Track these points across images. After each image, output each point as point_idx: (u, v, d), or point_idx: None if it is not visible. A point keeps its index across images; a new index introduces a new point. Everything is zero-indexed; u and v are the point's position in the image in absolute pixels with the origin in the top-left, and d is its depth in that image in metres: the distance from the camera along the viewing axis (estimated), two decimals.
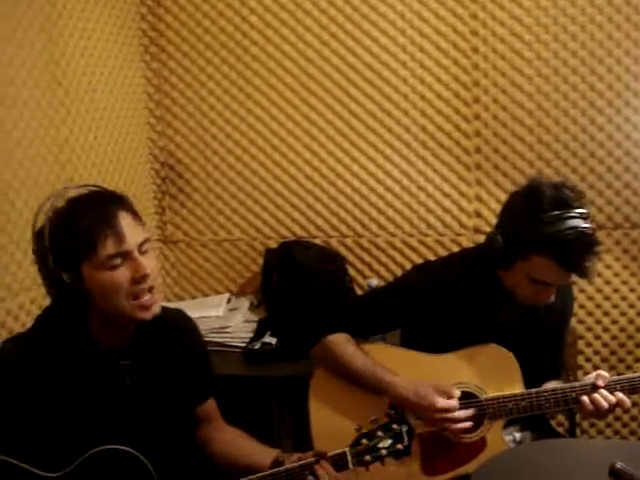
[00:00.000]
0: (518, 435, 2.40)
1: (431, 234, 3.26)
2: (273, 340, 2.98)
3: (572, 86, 3.02)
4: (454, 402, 2.17)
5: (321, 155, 3.29)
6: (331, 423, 2.28)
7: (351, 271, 3.31)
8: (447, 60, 3.11)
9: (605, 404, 2.12)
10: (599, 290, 3.15)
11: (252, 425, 2.21)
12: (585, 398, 2.13)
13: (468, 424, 2.18)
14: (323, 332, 2.32)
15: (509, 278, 2.23)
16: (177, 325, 2.03)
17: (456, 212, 3.21)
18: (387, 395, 2.20)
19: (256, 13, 3.24)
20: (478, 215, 3.18)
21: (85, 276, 1.76)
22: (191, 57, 3.34)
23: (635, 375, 2.16)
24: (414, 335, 2.39)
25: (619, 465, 1.56)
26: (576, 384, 2.18)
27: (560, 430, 2.79)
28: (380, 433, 1.89)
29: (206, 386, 2.10)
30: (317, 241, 3.34)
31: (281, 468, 1.88)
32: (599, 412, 2.14)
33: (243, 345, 2.99)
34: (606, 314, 3.17)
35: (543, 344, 2.37)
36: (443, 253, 3.09)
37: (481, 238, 2.82)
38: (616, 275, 3.13)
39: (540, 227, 2.07)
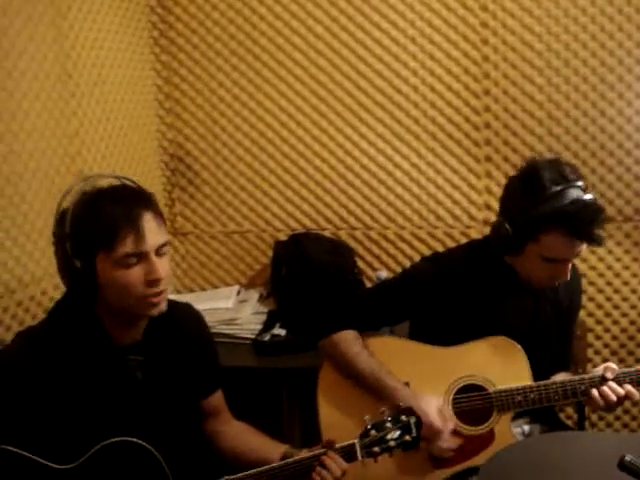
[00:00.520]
0: (527, 428, 2.40)
1: (440, 226, 3.25)
2: (282, 332, 2.99)
3: (583, 78, 3.01)
4: (450, 427, 2.17)
5: (330, 147, 3.29)
6: (340, 414, 2.28)
7: (360, 263, 3.31)
8: (457, 51, 3.10)
9: (614, 397, 2.12)
10: (609, 283, 3.14)
11: (261, 416, 2.22)
12: (594, 391, 2.14)
13: (454, 446, 2.19)
14: (332, 324, 2.33)
15: (521, 264, 2.23)
16: (185, 319, 2.04)
17: (466, 204, 3.21)
18: (386, 399, 2.17)
19: (265, 4, 3.24)
20: (488, 207, 3.18)
21: (98, 269, 1.76)
22: (200, 49, 3.34)
23: None
24: (423, 327, 2.39)
25: (629, 458, 1.55)
26: (585, 376, 2.18)
27: (569, 423, 2.80)
28: (389, 424, 1.89)
29: (213, 378, 2.10)
30: (326, 233, 3.34)
31: (289, 460, 1.88)
32: (608, 405, 2.14)
33: (252, 337, 3.00)
34: (616, 307, 3.16)
35: (551, 336, 2.37)
36: (452, 245, 3.08)
37: None
38: (626, 268, 3.12)
39: (545, 204, 2.09)
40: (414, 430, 1.90)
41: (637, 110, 3.00)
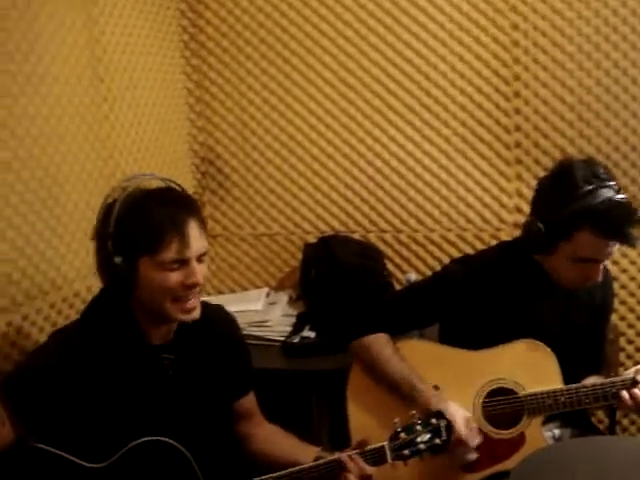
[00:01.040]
0: (557, 432, 2.38)
1: (470, 229, 3.24)
2: (312, 334, 2.99)
3: (614, 79, 2.98)
4: (476, 441, 2.14)
5: (360, 150, 3.29)
6: (369, 416, 2.28)
7: (390, 266, 3.31)
8: (487, 54, 3.09)
9: None
10: None
11: (290, 418, 2.22)
12: (624, 393, 2.12)
13: (474, 456, 2.17)
14: (363, 326, 2.33)
15: (552, 264, 2.22)
16: (218, 320, 2.05)
17: (496, 207, 3.19)
18: (416, 404, 2.15)
19: (295, 8, 3.25)
20: (518, 210, 3.15)
21: (140, 270, 1.78)
22: (230, 53, 3.36)
23: None
24: (453, 330, 2.38)
25: None
26: (616, 379, 2.16)
27: (600, 427, 2.77)
28: (419, 427, 1.88)
29: (245, 381, 2.11)
30: (356, 236, 3.34)
31: (321, 461, 1.88)
32: (638, 407, 2.12)
33: (282, 339, 3.00)
34: None
35: (583, 339, 2.36)
36: (482, 248, 3.07)
37: None
38: None
39: (577, 203, 2.08)
40: (444, 433, 1.89)
41: None
